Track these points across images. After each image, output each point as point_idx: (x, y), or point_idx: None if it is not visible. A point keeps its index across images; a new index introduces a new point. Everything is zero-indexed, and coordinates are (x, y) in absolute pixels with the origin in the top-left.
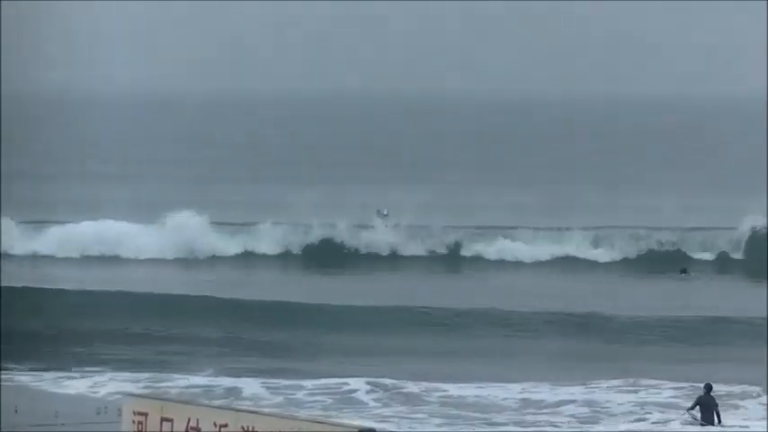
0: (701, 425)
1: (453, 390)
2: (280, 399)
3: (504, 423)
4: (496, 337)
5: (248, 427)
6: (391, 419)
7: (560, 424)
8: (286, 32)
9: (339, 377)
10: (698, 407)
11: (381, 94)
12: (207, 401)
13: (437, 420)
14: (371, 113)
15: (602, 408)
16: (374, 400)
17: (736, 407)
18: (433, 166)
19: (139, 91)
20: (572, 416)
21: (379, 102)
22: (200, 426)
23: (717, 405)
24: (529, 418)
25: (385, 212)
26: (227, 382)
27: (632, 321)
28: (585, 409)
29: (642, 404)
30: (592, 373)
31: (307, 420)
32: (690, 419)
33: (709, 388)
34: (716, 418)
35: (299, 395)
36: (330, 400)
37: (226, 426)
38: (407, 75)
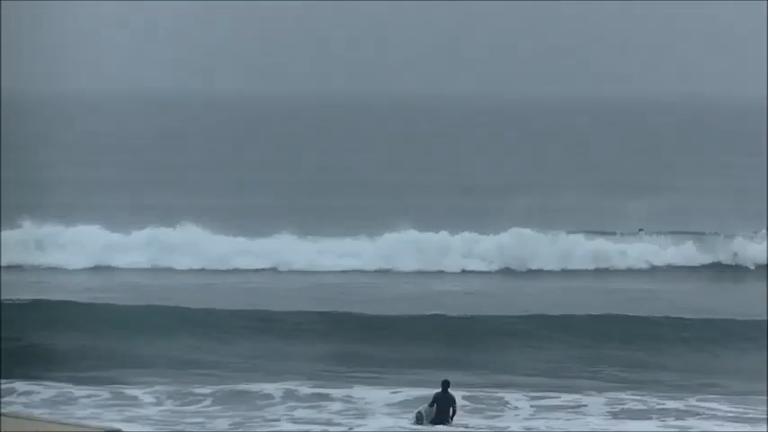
0: (431, 423)
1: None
2: (52, 393)
3: (276, 419)
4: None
5: None
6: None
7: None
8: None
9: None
10: (435, 404)
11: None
12: None
13: (221, 420)
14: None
15: (364, 405)
16: (148, 394)
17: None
18: None
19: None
20: (337, 412)
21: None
22: None
23: (454, 402)
24: (298, 413)
25: None
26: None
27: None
28: (347, 406)
29: (401, 402)
30: (354, 371)
31: (54, 422)
32: (414, 421)
33: (446, 385)
34: (451, 417)
35: (72, 391)
36: (106, 394)
37: None
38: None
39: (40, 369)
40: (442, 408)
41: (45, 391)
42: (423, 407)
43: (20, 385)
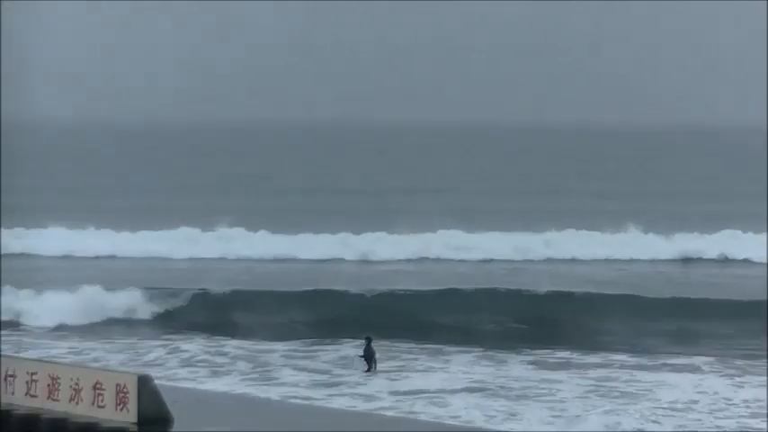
0: (365, 371)
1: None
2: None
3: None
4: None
5: (53, 375)
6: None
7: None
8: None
9: None
10: (364, 356)
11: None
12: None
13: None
14: None
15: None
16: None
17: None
18: None
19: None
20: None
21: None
22: (15, 373)
23: (374, 353)
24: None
25: None
26: None
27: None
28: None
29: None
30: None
31: (93, 369)
32: (354, 363)
33: (369, 340)
34: (373, 366)
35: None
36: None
37: (36, 373)
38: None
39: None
40: (369, 358)
41: None
42: (354, 357)
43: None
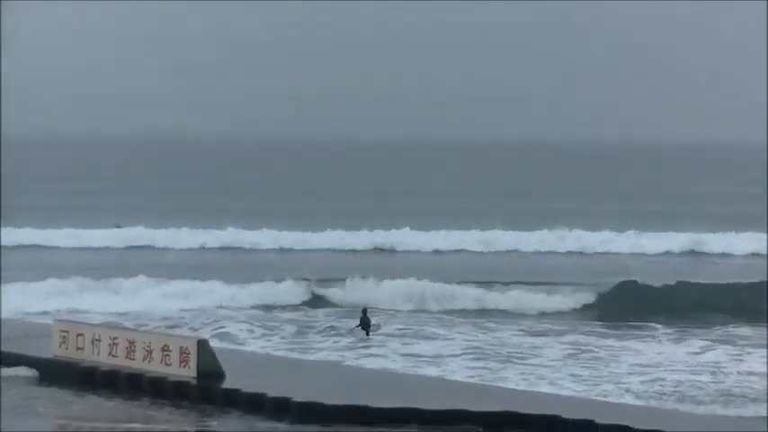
0: (364, 337)
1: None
2: None
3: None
4: None
5: (130, 339)
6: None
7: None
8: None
9: None
10: (360, 324)
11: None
12: (102, 322)
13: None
14: None
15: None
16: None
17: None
18: None
19: None
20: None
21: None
22: (100, 338)
23: (369, 321)
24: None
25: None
26: None
27: None
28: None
29: (354, 327)
30: None
31: (161, 334)
32: (352, 331)
33: (365, 311)
34: (370, 332)
35: None
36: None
37: (117, 338)
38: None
39: None
40: (365, 326)
41: None
42: (352, 326)
43: None
